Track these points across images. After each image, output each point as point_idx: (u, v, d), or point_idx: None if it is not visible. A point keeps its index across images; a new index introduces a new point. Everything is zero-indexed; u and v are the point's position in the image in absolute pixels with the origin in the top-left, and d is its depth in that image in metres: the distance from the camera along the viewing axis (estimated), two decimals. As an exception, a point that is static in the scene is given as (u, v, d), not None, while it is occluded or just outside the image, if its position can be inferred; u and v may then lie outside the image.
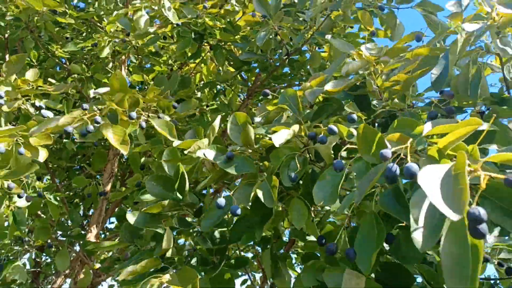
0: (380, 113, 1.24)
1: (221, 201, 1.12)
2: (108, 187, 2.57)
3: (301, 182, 1.24)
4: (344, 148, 1.00)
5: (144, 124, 1.63)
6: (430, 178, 0.52)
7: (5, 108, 1.80)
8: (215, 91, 2.91)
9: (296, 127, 1.16)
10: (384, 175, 0.68)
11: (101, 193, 2.49)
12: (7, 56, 2.56)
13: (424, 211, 0.57)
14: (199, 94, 2.90)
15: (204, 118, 3.08)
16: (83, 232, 2.45)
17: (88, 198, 2.43)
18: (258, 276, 2.92)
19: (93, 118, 1.50)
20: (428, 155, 0.72)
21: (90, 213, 3.19)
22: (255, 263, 2.89)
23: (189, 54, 2.56)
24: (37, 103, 1.98)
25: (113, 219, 3.22)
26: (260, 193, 1.09)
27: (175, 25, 2.21)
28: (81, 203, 2.98)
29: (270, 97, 1.45)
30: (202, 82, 3.00)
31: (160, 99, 2.04)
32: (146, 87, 2.91)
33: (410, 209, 0.58)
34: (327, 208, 1.52)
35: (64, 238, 2.20)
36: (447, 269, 0.53)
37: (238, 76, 2.78)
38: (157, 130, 1.75)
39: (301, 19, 2.39)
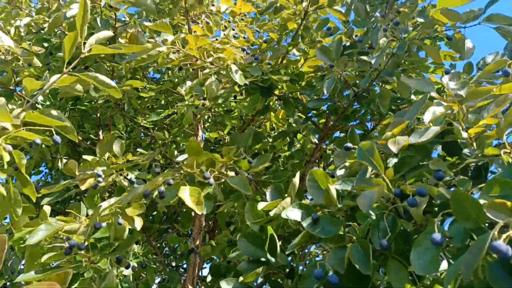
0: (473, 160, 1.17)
1: (320, 273, 1.13)
2: (198, 241, 2.71)
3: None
4: (440, 214, 0.96)
5: (212, 181, 1.73)
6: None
7: (101, 184, 2.01)
8: (288, 139, 2.97)
9: (380, 188, 1.15)
10: (498, 255, 0.65)
11: (192, 250, 2.62)
12: (100, 132, 2.89)
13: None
14: (271, 140, 2.99)
15: (279, 165, 3.14)
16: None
17: (181, 256, 2.57)
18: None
19: (165, 180, 1.62)
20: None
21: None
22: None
23: (260, 107, 2.67)
24: (129, 175, 2.17)
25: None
26: (354, 259, 1.08)
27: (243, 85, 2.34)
28: (175, 260, 3.15)
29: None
30: (274, 131, 3.09)
31: (235, 159, 2.15)
32: (221, 140, 3.06)
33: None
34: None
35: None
36: None
37: (309, 121, 2.83)
38: (233, 187, 1.83)
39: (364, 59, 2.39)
